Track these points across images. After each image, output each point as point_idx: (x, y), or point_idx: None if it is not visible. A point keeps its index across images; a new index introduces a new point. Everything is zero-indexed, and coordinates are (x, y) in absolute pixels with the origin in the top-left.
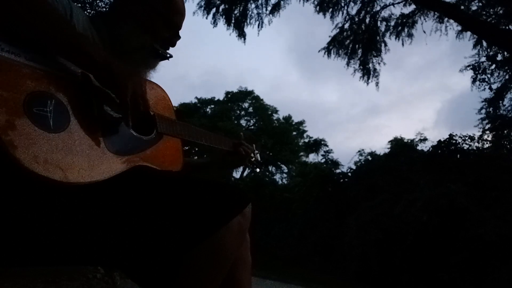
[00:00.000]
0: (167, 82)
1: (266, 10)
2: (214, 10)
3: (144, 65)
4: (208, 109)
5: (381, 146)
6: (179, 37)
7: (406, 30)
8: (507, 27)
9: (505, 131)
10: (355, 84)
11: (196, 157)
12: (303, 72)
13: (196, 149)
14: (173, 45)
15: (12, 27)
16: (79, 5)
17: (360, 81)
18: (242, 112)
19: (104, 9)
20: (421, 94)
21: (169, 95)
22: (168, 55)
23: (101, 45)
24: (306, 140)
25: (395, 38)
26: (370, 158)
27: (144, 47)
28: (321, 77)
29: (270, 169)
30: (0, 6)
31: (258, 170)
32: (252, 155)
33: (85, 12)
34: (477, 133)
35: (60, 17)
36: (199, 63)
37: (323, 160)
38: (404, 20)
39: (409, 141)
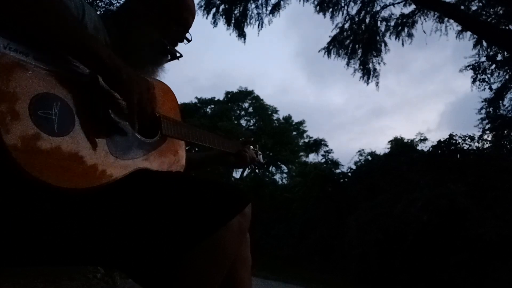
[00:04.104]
0: (177, 84)
1: (266, 10)
2: (214, 10)
3: (152, 62)
4: (208, 109)
5: (383, 146)
6: (187, 33)
7: (406, 30)
8: (507, 27)
9: (505, 131)
10: (360, 86)
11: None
12: (310, 76)
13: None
14: (182, 40)
15: (24, 26)
16: None
17: (360, 81)
18: (242, 112)
19: (104, 9)
20: (425, 97)
21: (178, 97)
22: (178, 54)
23: (111, 45)
24: (306, 140)
25: (395, 38)
26: (370, 158)
27: (153, 44)
28: (328, 80)
29: (270, 169)
30: (13, 5)
31: (258, 170)
32: (255, 157)
33: None
34: (477, 133)
35: (71, 17)
36: (209, 66)
37: (323, 160)
38: (404, 20)
39: (409, 141)
